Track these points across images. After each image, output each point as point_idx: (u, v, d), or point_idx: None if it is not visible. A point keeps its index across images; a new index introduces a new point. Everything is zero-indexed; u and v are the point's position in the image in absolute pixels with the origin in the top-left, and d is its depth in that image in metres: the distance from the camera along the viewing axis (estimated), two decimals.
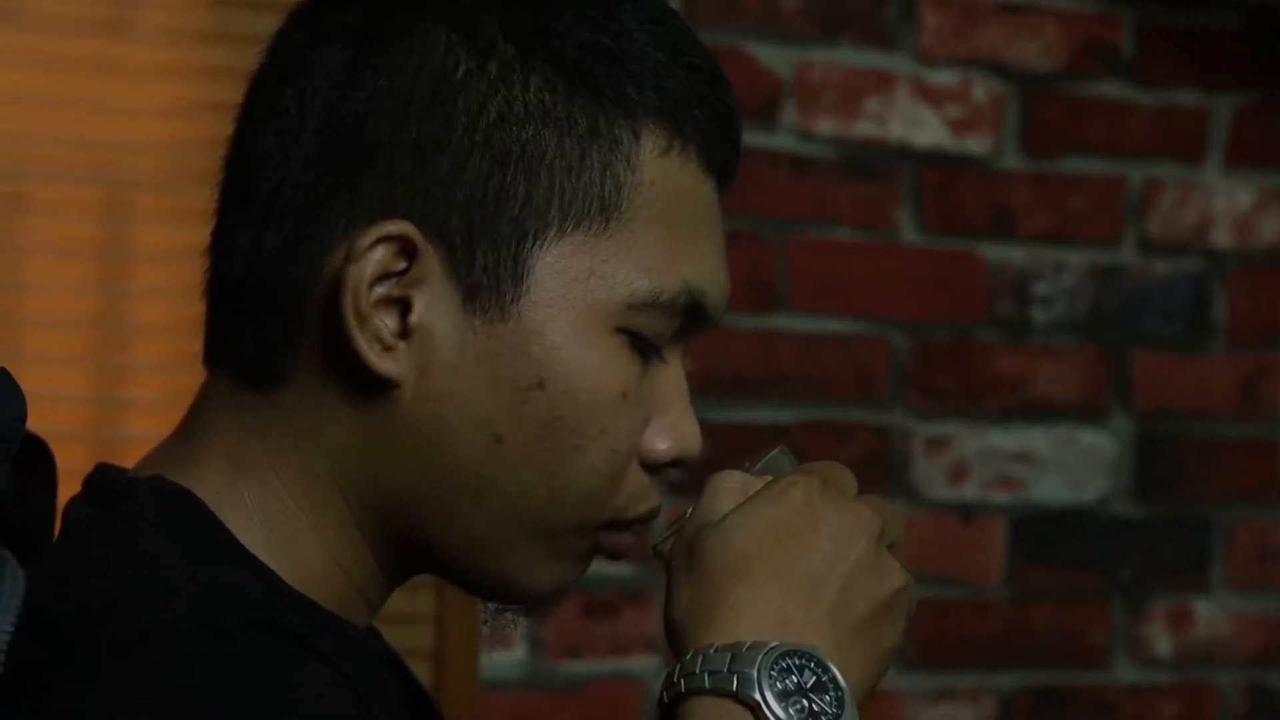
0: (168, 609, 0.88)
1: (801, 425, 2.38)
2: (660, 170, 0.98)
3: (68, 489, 1.00)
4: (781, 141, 2.39)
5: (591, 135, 0.96)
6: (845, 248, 2.42)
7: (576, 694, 2.30)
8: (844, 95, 2.42)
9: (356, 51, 0.97)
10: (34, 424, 0.97)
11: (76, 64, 2.19)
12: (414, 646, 2.17)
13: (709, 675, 0.92)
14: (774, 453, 1.03)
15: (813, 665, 0.93)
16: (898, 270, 2.45)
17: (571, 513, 0.98)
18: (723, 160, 1.01)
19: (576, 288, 0.96)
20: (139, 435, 2.17)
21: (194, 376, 1.02)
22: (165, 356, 2.21)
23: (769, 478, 1.00)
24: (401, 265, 0.95)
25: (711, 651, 0.93)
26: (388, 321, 0.95)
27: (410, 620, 2.18)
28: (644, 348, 0.99)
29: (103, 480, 0.99)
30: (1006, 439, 2.49)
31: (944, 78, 2.47)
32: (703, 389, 2.28)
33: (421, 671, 2.16)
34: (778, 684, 0.91)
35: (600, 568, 1.06)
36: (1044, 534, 2.51)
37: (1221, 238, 2.60)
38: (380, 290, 0.95)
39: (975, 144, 2.48)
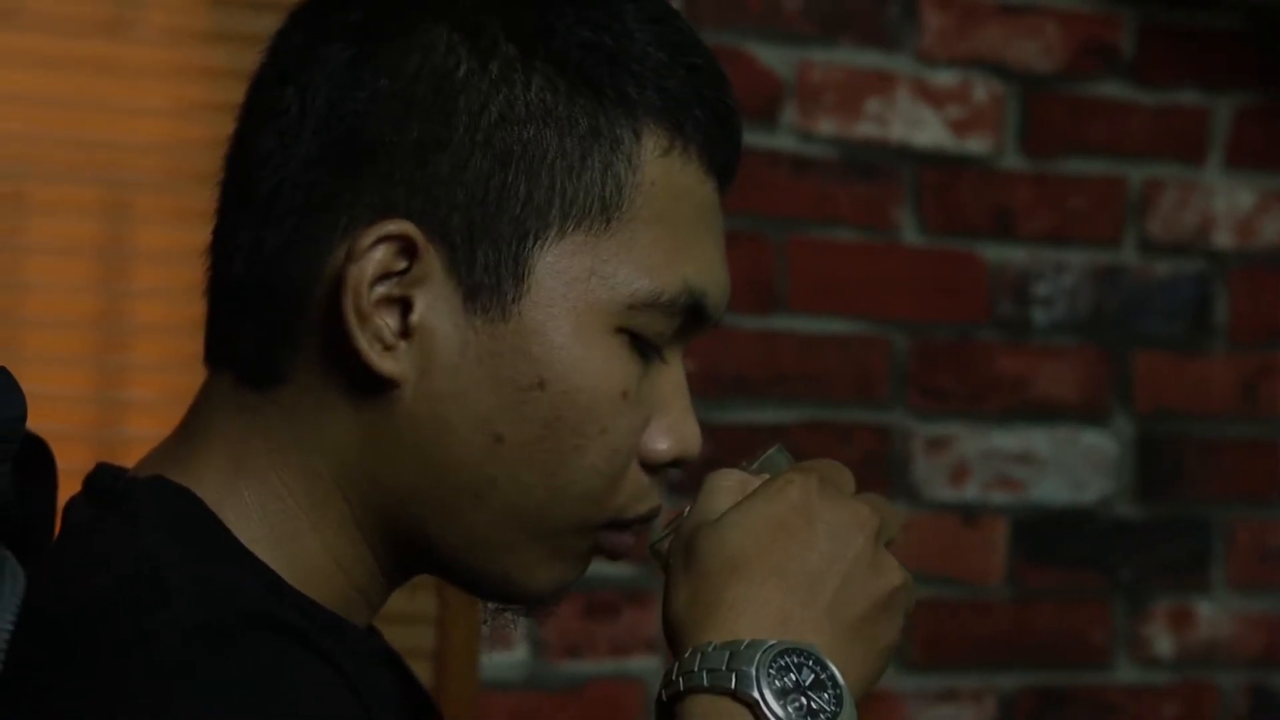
0: (168, 609, 0.88)
1: (802, 426, 2.38)
2: (661, 170, 0.98)
3: (68, 489, 1.00)
4: (782, 142, 2.39)
5: (593, 135, 0.96)
6: (846, 248, 2.42)
7: (577, 694, 2.30)
8: (845, 95, 2.42)
9: (358, 51, 0.97)
10: (34, 424, 0.97)
11: (77, 64, 2.19)
12: (414, 647, 2.17)
13: (707, 673, 0.92)
14: (771, 451, 1.03)
15: (811, 663, 0.93)
16: (898, 271, 2.45)
17: (571, 513, 0.98)
18: (723, 160, 1.01)
19: (577, 287, 0.96)
20: (139, 435, 2.17)
21: (194, 377, 1.02)
22: (165, 357, 2.21)
23: (766, 476, 1.00)
24: (402, 265, 0.95)
25: (710, 650, 0.93)
26: (388, 321, 0.95)
27: (411, 620, 2.18)
28: (644, 348, 0.99)
29: (103, 480, 0.99)
30: (1007, 439, 2.49)
31: (944, 78, 2.47)
32: (703, 389, 2.28)
33: (422, 672, 2.15)
34: (776, 682, 0.91)
35: (601, 568, 1.06)
36: (1045, 534, 2.51)
37: (1222, 238, 2.60)
38: (381, 290, 0.95)
39: (976, 144, 2.48)
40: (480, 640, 2.25)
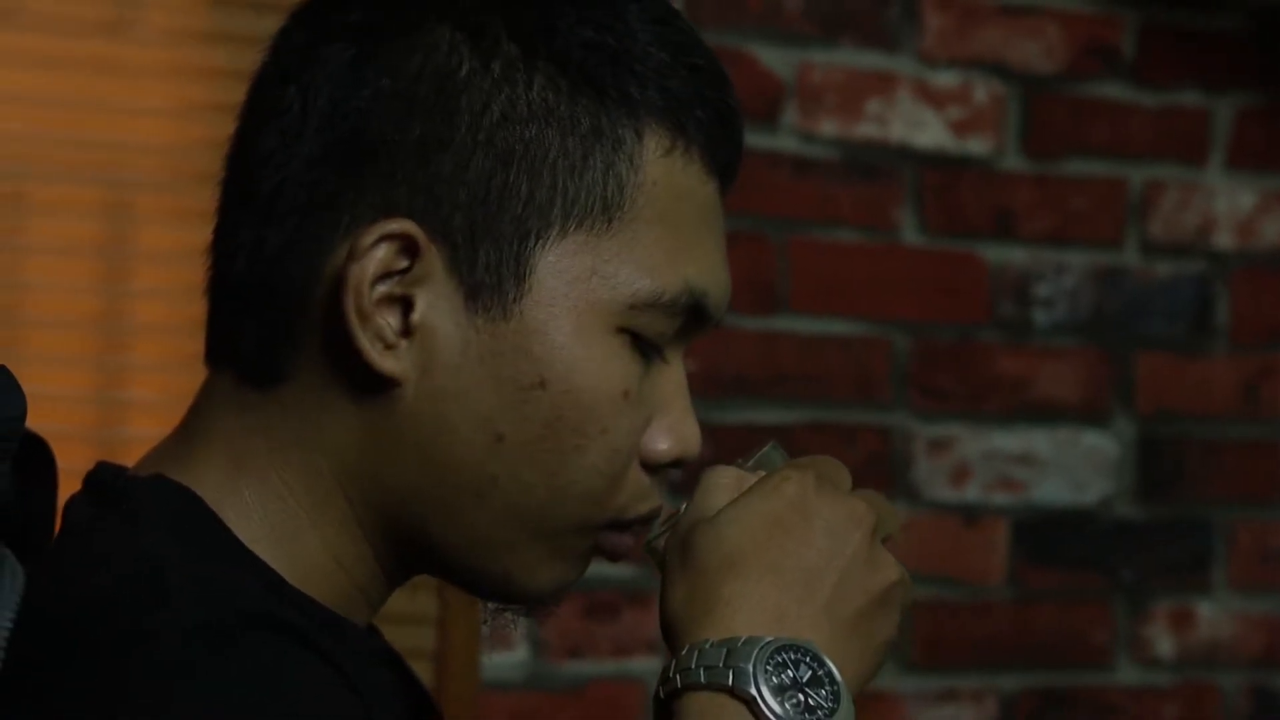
0: (168, 608, 0.88)
1: (803, 426, 2.38)
2: (663, 170, 0.98)
3: (68, 489, 1.00)
4: (783, 142, 2.39)
5: (594, 135, 0.96)
6: (847, 249, 2.42)
7: (578, 695, 2.30)
8: (845, 96, 2.42)
9: (360, 50, 0.97)
10: (35, 424, 0.97)
11: (77, 64, 2.19)
12: (415, 647, 2.17)
13: (705, 670, 0.92)
14: (767, 448, 1.04)
15: (808, 660, 0.93)
16: (899, 271, 2.45)
17: (572, 512, 0.98)
18: (725, 161, 1.01)
19: (578, 287, 0.96)
20: (140, 435, 2.17)
21: (195, 377, 1.02)
22: (166, 357, 2.21)
23: (762, 473, 1.00)
24: (404, 264, 0.95)
25: (707, 647, 0.93)
26: (390, 320, 0.95)
27: (411, 621, 2.18)
28: (645, 348, 0.99)
29: (103, 479, 0.99)
30: (1008, 440, 2.49)
31: (945, 79, 2.47)
32: (704, 390, 2.28)
33: (422, 672, 2.15)
34: (773, 679, 0.91)
35: (601, 569, 1.06)
36: (1046, 535, 2.51)
37: (1223, 239, 2.60)
38: (382, 289, 0.95)
39: (976, 145, 2.48)
40: (481, 641, 2.25)
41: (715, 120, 1.00)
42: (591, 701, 2.31)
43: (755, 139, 2.31)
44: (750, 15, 2.38)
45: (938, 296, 2.46)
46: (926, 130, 2.46)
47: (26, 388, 0.94)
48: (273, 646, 0.89)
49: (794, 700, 0.91)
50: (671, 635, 0.96)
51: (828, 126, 2.41)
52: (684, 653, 0.94)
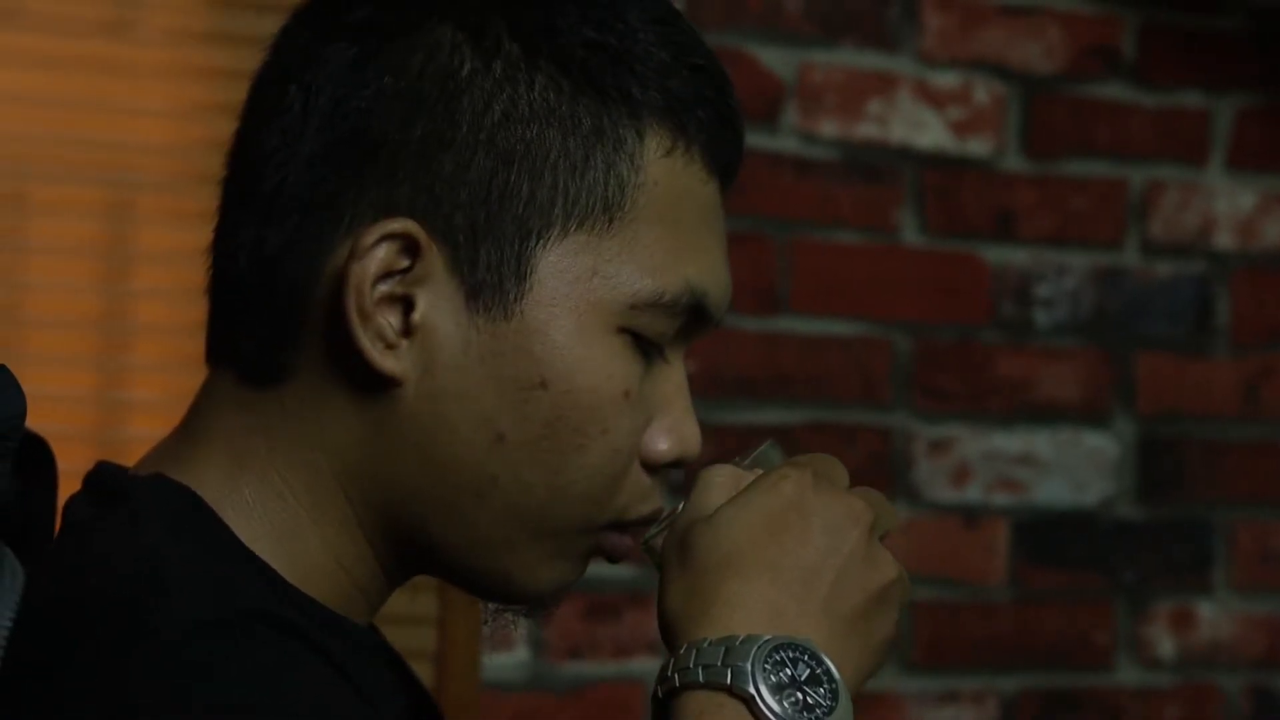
0: (168, 607, 0.88)
1: (804, 427, 2.38)
2: (664, 170, 0.98)
3: (69, 490, 1.00)
4: (784, 143, 2.39)
5: (596, 135, 0.96)
6: (847, 249, 2.42)
7: (578, 696, 2.30)
8: (846, 97, 2.42)
9: (362, 49, 0.97)
10: (35, 424, 0.97)
11: (78, 64, 2.19)
12: (416, 648, 2.17)
13: (703, 669, 0.92)
14: (764, 446, 1.04)
15: (807, 658, 0.93)
16: (900, 272, 2.44)
17: (573, 512, 0.98)
18: (726, 161, 1.01)
19: (579, 287, 0.96)
20: (141, 436, 2.17)
21: (196, 377, 1.02)
22: (168, 357, 2.21)
23: (760, 471, 1.00)
24: (405, 263, 0.95)
25: (705, 645, 0.93)
26: (391, 319, 0.95)
27: (412, 621, 2.18)
28: (646, 348, 0.99)
29: (103, 478, 0.99)
30: (1009, 441, 2.49)
31: (946, 79, 2.47)
32: (705, 391, 2.28)
33: (423, 673, 2.16)
34: (772, 677, 0.91)
35: (603, 569, 1.06)
36: (1046, 536, 2.51)
37: (1224, 240, 2.60)
38: (383, 288, 0.95)
39: (977, 146, 2.48)
40: (481, 641, 2.25)
41: (716, 121, 1.00)
42: (592, 702, 2.31)
43: (756, 139, 2.31)
44: (751, 16, 2.38)
45: (938, 297, 2.46)
46: (927, 131, 2.46)
47: (27, 388, 0.94)
48: (273, 645, 0.89)
49: (792, 699, 0.91)
50: (669, 634, 0.96)
51: (828, 127, 2.41)
52: (682, 651, 0.94)
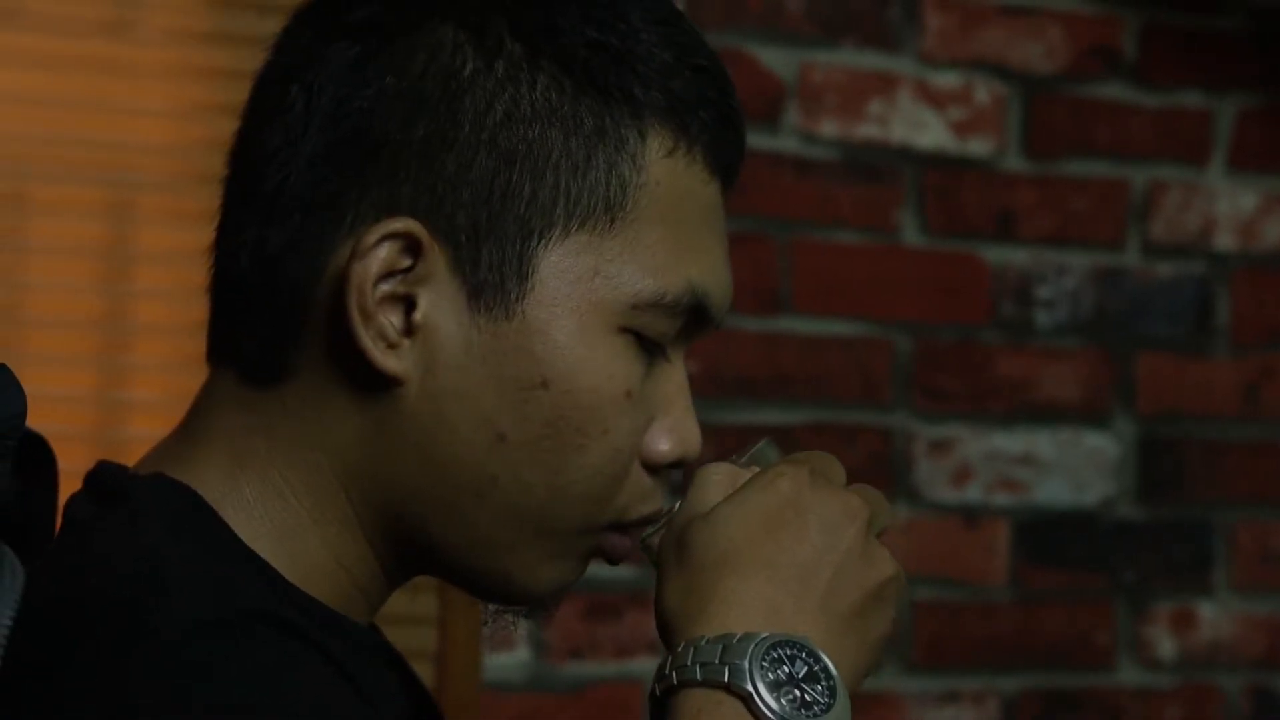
0: (168, 606, 0.88)
1: (805, 427, 2.38)
2: (666, 171, 0.98)
3: (69, 490, 1.00)
4: (784, 143, 2.39)
5: (598, 135, 0.96)
6: (848, 250, 2.42)
7: (579, 696, 2.30)
8: (846, 97, 2.42)
9: (364, 49, 0.97)
10: (36, 424, 0.97)
11: (79, 64, 2.19)
12: (416, 648, 2.17)
13: (701, 667, 0.92)
14: (761, 444, 1.03)
15: (804, 655, 0.92)
16: (901, 272, 2.44)
17: (573, 513, 0.98)
18: (727, 162, 1.01)
19: (581, 287, 0.96)
20: (142, 436, 2.17)
21: (197, 377, 1.02)
22: (169, 357, 2.21)
23: (756, 469, 1.00)
24: (407, 263, 0.95)
25: (703, 643, 0.93)
26: (392, 319, 0.95)
27: (412, 622, 2.18)
28: (647, 348, 0.99)
29: (104, 477, 0.99)
30: (1010, 441, 2.49)
31: (946, 80, 2.47)
32: (706, 391, 2.28)
33: (423, 673, 2.15)
34: (769, 674, 0.91)
35: (603, 569, 1.06)
36: (1047, 536, 2.51)
37: (1225, 240, 2.60)
38: (385, 288, 0.95)
39: (978, 146, 2.48)
40: (482, 642, 2.25)
41: (718, 121, 1.00)
42: (593, 703, 2.31)
43: (756, 140, 2.31)
44: (751, 16, 2.38)
45: (939, 297, 2.46)
46: (928, 131, 2.46)
47: (28, 388, 0.94)
48: (274, 644, 0.89)
49: (790, 696, 0.91)
50: (667, 632, 0.96)
51: (829, 127, 2.41)
52: (680, 649, 0.94)
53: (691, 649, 0.93)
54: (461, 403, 0.96)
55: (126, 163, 2.21)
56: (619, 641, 2.31)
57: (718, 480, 0.99)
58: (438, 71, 0.96)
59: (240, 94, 1.02)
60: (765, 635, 0.92)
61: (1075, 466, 2.52)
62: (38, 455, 0.98)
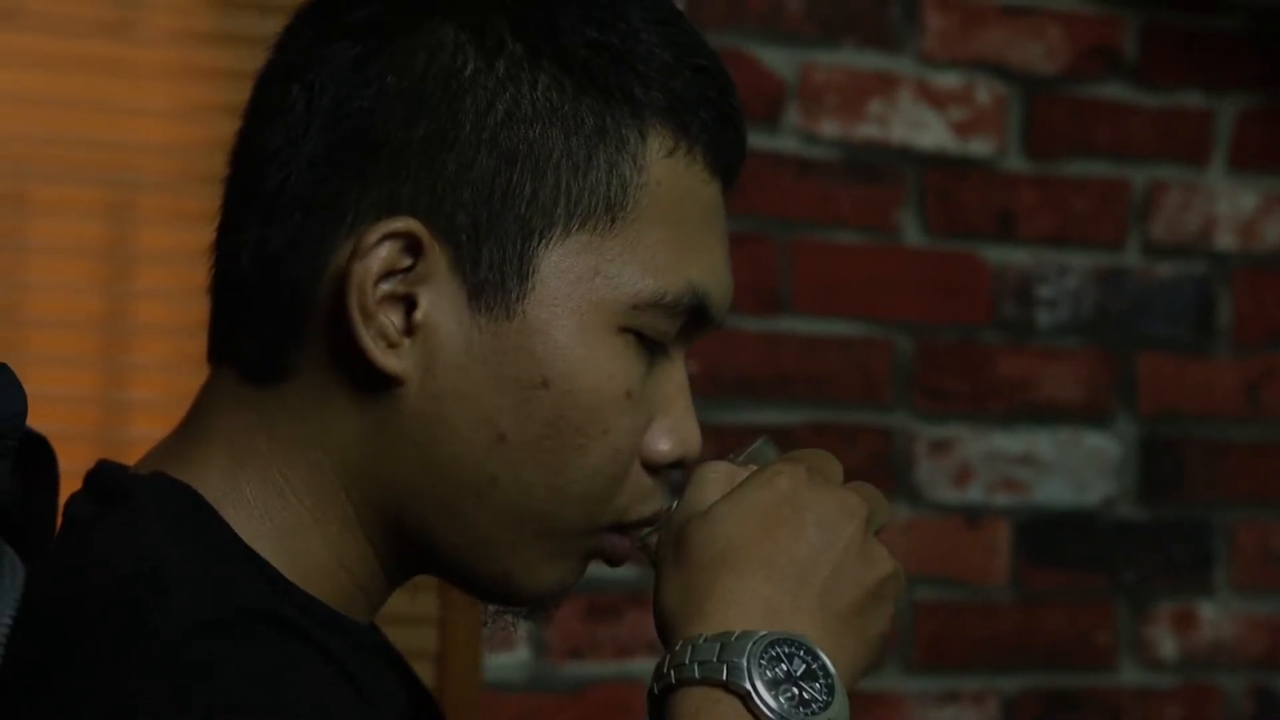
0: (169, 605, 0.88)
1: (805, 427, 2.38)
2: (666, 171, 0.98)
3: (70, 490, 1.00)
4: (785, 143, 2.39)
5: (598, 135, 0.96)
6: (849, 250, 2.42)
7: (579, 696, 2.30)
8: (847, 97, 2.42)
9: (365, 49, 0.97)
10: (37, 424, 0.97)
11: (79, 64, 2.19)
12: (416, 648, 2.17)
13: (699, 665, 0.92)
14: (758, 443, 1.04)
15: (802, 653, 0.92)
16: (901, 272, 2.44)
17: (574, 513, 0.98)
18: (728, 162, 1.01)
19: (581, 287, 0.96)
20: (143, 436, 2.17)
21: (197, 377, 1.02)
22: (169, 357, 2.21)
23: (754, 468, 1.00)
24: (407, 262, 0.95)
25: (701, 641, 0.93)
26: (393, 318, 0.95)
27: (412, 621, 2.18)
28: (648, 348, 0.99)
29: (104, 477, 0.99)
30: (1010, 441, 2.49)
31: (947, 80, 2.47)
32: (706, 391, 2.28)
33: (424, 673, 2.15)
34: (768, 672, 0.91)
35: (603, 569, 1.06)
36: (1048, 536, 2.51)
37: (1225, 240, 2.60)
38: (386, 287, 0.95)
39: (978, 146, 2.48)
40: (482, 642, 2.25)
41: (718, 121, 1.00)
42: (593, 703, 2.31)
43: (757, 140, 2.31)
44: (752, 16, 2.38)
45: (939, 297, 2.46)
46: (928, 131, 2.46)
47: (28, 388, 0.94)
48: (273, 645, 0.89)
49: (788, 694, 0.91)
50: (665, 630, 0.96)
51: (829, 127, 2.41)
52: (678, 648, 0.94)
53: (690, 647, 0.93)
54: (462, 402, 0.96)
55: (126, 163, 2.21)
56: (619, 641, 2.31)
57: (715, 479, 0.99)
58: (438, 71, 0.96)
59: (241, 94, 1.02)
60: (763, 633, 0.92)
61: (1076, 466, 2.52)
62: (38, 455, 0.98)
